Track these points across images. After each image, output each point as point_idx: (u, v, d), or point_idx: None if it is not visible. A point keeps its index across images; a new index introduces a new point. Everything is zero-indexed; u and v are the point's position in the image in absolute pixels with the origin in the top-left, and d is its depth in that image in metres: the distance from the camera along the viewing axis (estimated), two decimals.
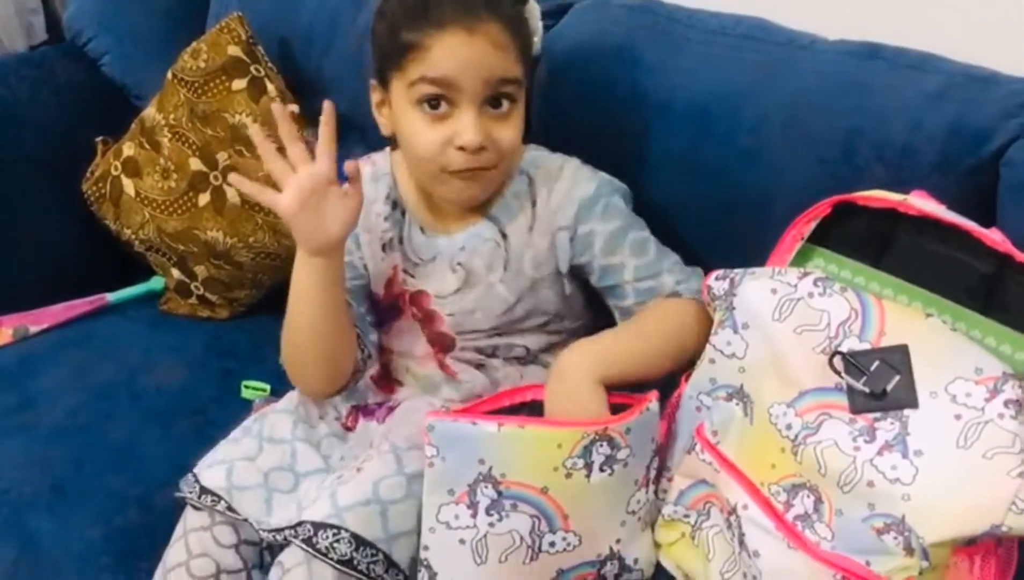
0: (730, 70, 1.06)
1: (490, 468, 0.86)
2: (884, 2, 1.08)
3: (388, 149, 1.12)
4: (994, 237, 0.82)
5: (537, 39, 1.03)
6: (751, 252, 0.97)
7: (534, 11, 1.03)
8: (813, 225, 0.92)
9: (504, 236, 1.04)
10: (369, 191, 1.07)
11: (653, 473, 0.95)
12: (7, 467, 1.12)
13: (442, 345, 1.08)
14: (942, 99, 0.95)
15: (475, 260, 1.04)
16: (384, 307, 1.11)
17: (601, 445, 0.88)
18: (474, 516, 0.88)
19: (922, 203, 0.86)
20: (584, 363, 0.94)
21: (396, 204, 1.08)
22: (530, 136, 1.07)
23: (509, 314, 1.05)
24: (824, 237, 0.93)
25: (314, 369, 1.03)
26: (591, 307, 1.10)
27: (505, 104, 0.96)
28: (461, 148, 0.95)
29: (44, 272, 1.44)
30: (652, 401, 0.92)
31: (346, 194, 0.96)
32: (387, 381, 1.13)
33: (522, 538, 0.88)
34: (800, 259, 0.94)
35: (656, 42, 1.08)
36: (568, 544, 0.90)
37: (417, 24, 0.93)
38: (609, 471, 0.89)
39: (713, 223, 1.08)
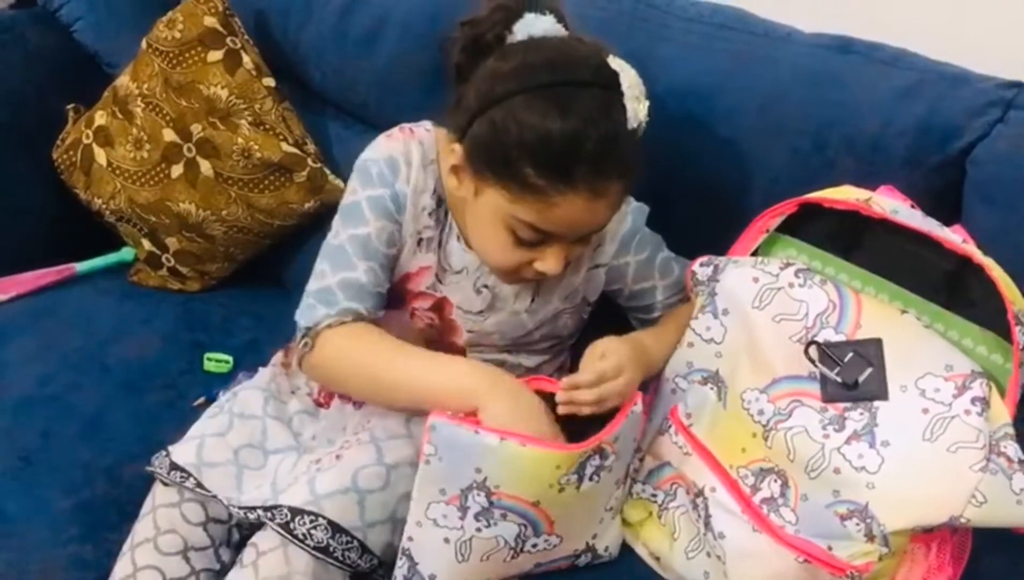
0: (706, 59, 1.07)
1: (485, 478, 0.86)
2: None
3: (430, 125, 1.04)
4: (954, 237, 0.84)
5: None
6: (723, 240, 0.99)
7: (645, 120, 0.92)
8: (778, 221, 0.94)
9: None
10: (418, 179, 1.00)
11: (632, 470, 0.97)
12: None
13: (449, 352, 1.06)
14: (913, 95, 0.97)
15: (503, 287, 1.02)
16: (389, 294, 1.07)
17: (594, 458, 0.88)
18: (462, 519, 0.88)
19: (887, 201, 0.88)
20: (633, 354, 0.94)
21: (441, 201, 1.02)
22: None
23: (526, 337, 1.06)
24: (796, 228, 0.95)
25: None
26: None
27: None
28: (539, 272, 0.94)
29: (12, 240, 1.41)
30: (637, 403, 0.92)
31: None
32: None
33: (507, 542, 0.89)
34: (773, 248, 0.96)
35: (635, 29, 1.09)
36: (549, 544, 0.92)
37: (547, 172, 0.87)
38: (597, 479, 0.90)
39: (686, 211, 1.09)
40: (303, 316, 0.98)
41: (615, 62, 0.90)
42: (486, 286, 1.03)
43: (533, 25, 0.93)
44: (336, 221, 1.02)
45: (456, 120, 0.94)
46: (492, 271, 1.00)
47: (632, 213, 1.04)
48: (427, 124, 1.05)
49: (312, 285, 0.99)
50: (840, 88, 1.00)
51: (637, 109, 0.89)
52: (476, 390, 0.89)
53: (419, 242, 1.02)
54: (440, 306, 1.05)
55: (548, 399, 0.91)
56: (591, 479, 0.89)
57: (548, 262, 0.93)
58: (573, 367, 0.98)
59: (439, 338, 1.07)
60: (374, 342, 0.96)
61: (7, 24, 1.53)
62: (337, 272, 0.98)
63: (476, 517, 0.87)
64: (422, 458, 0.87)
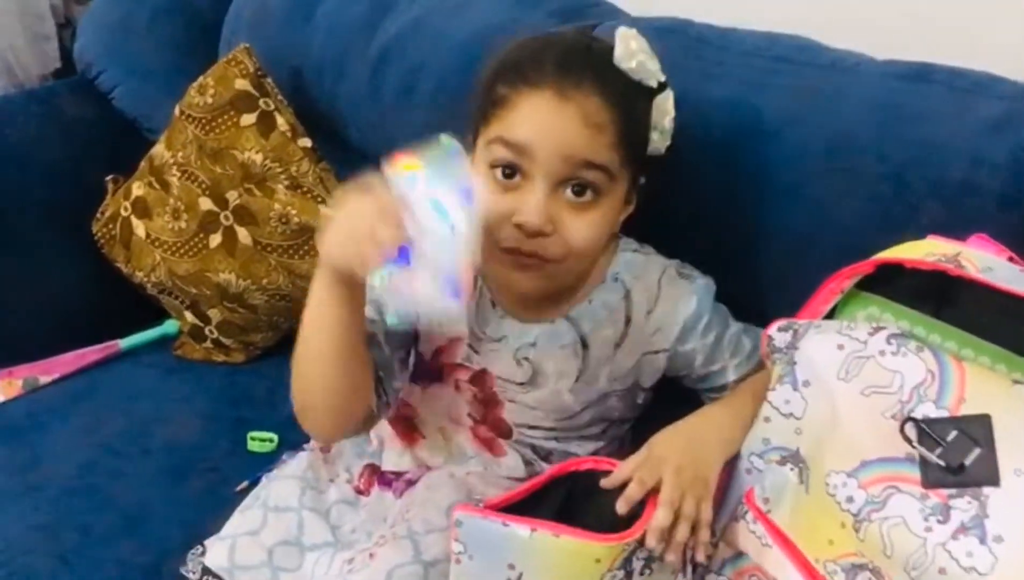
0: (765, 98, 0.98)
1: (520, 575, 0.79)
2: (937, 18, 0.99)
3: None
4: None
5: (658, 135, 0.91)
6: (791, 298, 0.88)
7: (664, 106, 0.90)
8: (853, 281, 0.83)
9: (584, 346, 0.94)
10: None
11: (690, 553, 0.87)
12: (12, 533, 1.07)
13: (500, 431, 1.00)
14: (1005, 126, 0.87)
15: (546, 362, 0.95)
16: (424, 370, 1.01)
17: (640, 550, 0.80)
18: None
19: (979, 256, 0.78)
20: (721, 440, 0.86)
21: None
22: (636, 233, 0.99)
23: (572, 420, 0.98)
24: (877, 284, 0.85)
25: (323, 407, 0.89)
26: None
27: (588, 194, 0.86)
28: (518, 225, 0.85)
29: (55, 319, 1.40)
30: None
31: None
32: (409, 431, 1.05)
33: None
34: (850, 306, 0.86)
35: (686, 68, 1.00)
36: None
37: (513, 79, 0.85)
38: (649, 572, 0.82)
39: (748, 266, 1.00)
40: None
41: None
42: (527, 359, 0.95)
43: None
44: None
45: None
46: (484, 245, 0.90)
47: (697, 292, 0.95)
48: None
49: None
50: (920, 123, 0.89)
51: (630, 47, 0.86)
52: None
53: None
54: (481, 378, 0.98)
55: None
56: (642, 574, 0.81)
57: (526, 209, 0.84)
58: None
59: (485, 414, 1.00)
60: None
61: (45, 96, 1.53)
62: None
63: None
64: (452, 557, 0.81)
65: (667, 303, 0.94)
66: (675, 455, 0.83)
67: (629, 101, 0.86)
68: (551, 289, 0.93)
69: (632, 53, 0.86)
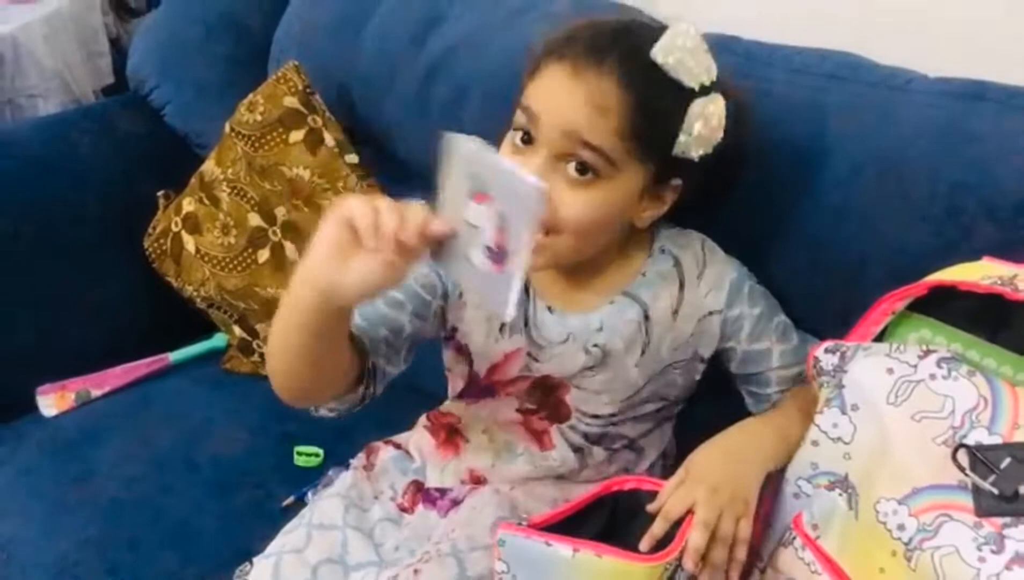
0: (814, 116, 0.96)
1: None
2: (992, 34, 0.97)
3: None
4: None
5: (686, 138, 0.84)
6: (840, 320, 0.87)
7: (699, 111, 0.84)
8: (905, 303, 0.82)
9: (647, 317, 0.94)
10: None
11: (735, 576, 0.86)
12: (63, 546, 1.09)
13: (558, 414, 0.99)
14: None
15: (615, 341, 0.94)
16: (476, 389, 1.01)
17: (682, 569, 0.79)
18: None
19: None
20: (762, 455, 0.86)
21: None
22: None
23: (634, 398, 0.97)
24: (929, 305, 0.83)
25: (289, 384, 0.87)
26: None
27: (589, 174, 0.84)
28: None
29: (107, 332, 1.41)
30: None
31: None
32: (451, 437, 1.05)
33: None
34: (901, 328, 0.84)
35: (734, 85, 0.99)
36: None
37: (549, 49, 0.87)
38: None
39: (796, 287, 0.98)
40: None
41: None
42: (596, 345, 0.94)
43: None
44: None
45: None
46: None
47: (731, 262, 0.97)
48: None
49: None
50: (974, 142, 0.87)
51: (674, 43, 0.83)
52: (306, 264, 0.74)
53: (501, 328, 0.96)
54: (542, 383, 0.97)
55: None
56: None
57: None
58: (679, 455, 0.89)
59: (544, 400, 0.98)
60: None
61: (98, 113, 1.55)
62: None
63: None
64: (495, 576, 0.81)
65: (713, 266, 0.96)
66: (712, 474, 0.83)
67: (652, 94, 0.83)
68: (560, 265, 0.92)
69: (671, 49, 0.83)
